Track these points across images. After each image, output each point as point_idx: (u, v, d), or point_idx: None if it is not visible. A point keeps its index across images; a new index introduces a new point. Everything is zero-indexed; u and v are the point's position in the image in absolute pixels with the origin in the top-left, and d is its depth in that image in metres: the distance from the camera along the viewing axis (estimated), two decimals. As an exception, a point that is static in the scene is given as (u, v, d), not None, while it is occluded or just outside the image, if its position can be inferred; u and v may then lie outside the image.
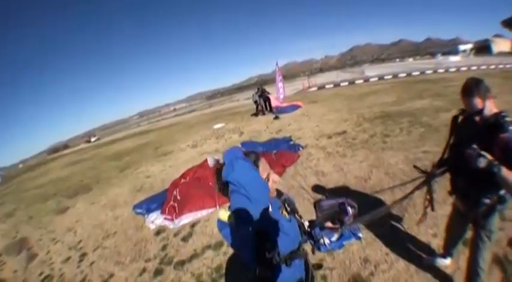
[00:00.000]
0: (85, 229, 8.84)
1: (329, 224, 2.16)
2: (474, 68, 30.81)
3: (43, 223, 10.96)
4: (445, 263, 3.71)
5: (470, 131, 2.68)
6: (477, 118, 2.59)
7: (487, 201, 2.65)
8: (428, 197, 3.27)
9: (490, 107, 2.55)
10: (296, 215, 2.18)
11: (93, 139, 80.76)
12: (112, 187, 13.02)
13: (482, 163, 2.30)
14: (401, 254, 4.07)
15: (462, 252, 3.56)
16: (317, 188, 6.93)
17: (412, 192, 3.29)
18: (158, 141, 25.69)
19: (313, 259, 3.62)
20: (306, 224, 2.28)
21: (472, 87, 2.55)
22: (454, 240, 3.52)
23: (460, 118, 2.88)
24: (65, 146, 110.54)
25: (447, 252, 3.69)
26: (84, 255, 7.14)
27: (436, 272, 3.63)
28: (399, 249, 4.18)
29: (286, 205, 2.12)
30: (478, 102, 2.52)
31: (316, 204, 2.29)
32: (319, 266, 2.33)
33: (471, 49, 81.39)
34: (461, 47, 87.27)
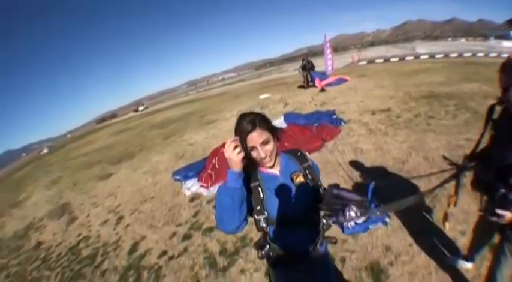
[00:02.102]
0: (125, 194, 9.29)
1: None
2: None
3: (86, 189, 11.61)
4: (466, 266, 3.46)
5: (507, 125, 2.31)
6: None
7: None
8: (453, 193, 2.97)
9: None
10: (316, 183, 2.13)
11: (141, 108, 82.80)
12: (155, 154, 13.50)
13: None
14: (425, 248, 3.91)
15: (487, 259, 3.26)
16: (354, 166, 6.79)
17: (440, 184, 3.13)
18: (204, 110, 26.03)
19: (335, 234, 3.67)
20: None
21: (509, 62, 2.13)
22: (479, 244, 3.25)
23: (498, 109, 2.42)
24: (113, 115, 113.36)
25: (470, 256, 3.42)
26: (121, 218, 7.55)
27: (456, 274, 3.43)
28: (424, 242, 4.00)
29: (307, 172, 2.12)
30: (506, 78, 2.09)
31: (328, 189, 2.02)
32: (333, 240, 2.30)
33: None
34: None
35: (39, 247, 7.49)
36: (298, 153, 2.22)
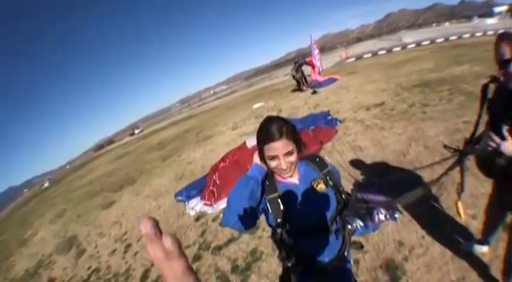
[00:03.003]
0: (129, 221, 9.25)
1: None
2: None
3: (90, 219, 11.56)
4: (482, 250, 3.43)
5: (502, 102, 2.28)
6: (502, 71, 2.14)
7: None
8: (459, 179, 2.92)
9: None
10: (338, 189, 2.06)
11: (136, 131, 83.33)
12: (155, 177, 13.45)
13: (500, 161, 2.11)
14: (438, 238, 3.89)
15: (502, 239, 3.21)
16: (354, 165, 6.81)
17: (445, 173, 3.12)
18: (199, 126, 26.12)
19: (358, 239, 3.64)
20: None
21: (506, 35, 2.09)
22: (493, 226, 3.22)
23: (492, 87, 2.40)
24: (110, 141, 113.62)
25: (485, 239, 3.39)
26: (128, 246, 7.50)
27: (473, 259, 3.41)
28: (435, 232, 3.98)
29: (327, 178, 2.04)
30: (508, 49, 2.03)
31: (353, 192, 2.07)
32: (359, 245, 2.24)
33: (507, 11, 77.58)
34: (497, 9, 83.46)
35: (52, 285, 7.47)
36: (317, 159, 2.14)
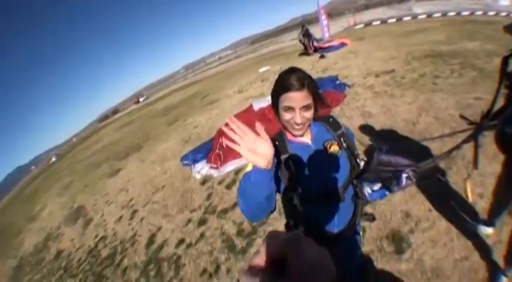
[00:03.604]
0: (136, 187, 9.30)
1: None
2: None
3: (97, 189, 11.68)
4: (487, 232, 3.31)
5: None
6: None
7: None
8: (473, 156, 2.81)
9: None
10: (352, 152, 1.93)
11: (141, 99, 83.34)
12: (161, 142, 13.51)
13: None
14: (444, 213, 3.77)
15: (506, 224, 3.21)
16: (364, 131, 6.66)
17: (457, 146, 2.96)
18: (205, 90, 26.02)
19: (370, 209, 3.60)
20: (362, 164, 2.01)
21: None
22: (499, 208, 3.10)
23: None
24: (115, 110, 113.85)
25: (490, 220, 3.27)
26: (135, 212, 7.55)
27: (477, 240, 3.29)
28: (442, 207, 3.87)
29: (341, 140, 1.90)
30: None
31: (375, 154, 1.93)
32: (371, 217, 2.15)
33: None
34: None
35: (60, 256, 7.55)
36: (331, 119, 2.01)
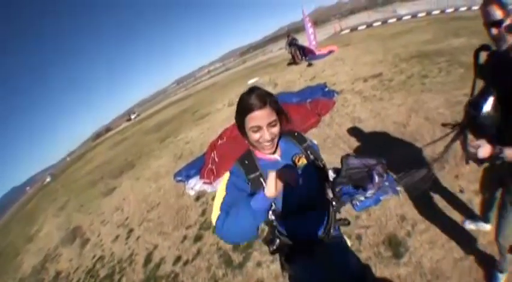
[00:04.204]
0: (131, 205, 9.27)
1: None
2: (511, 6, 29.11)
3: (93, 208, 11.60)
4: (485, 228, 3.32)
5: (491, 71, 2.25)
6: (495, 30, 2.01)
7: None
8: (462, 153, 2.63)
9: None
10: (319, 163, 1.99)
11: (133, 116, 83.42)
12: (154, 159, 13.49)
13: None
14: (441, 213, 3.78)
15: None
16: (354, 137, 6.70)
17: (446, 149, 2.91)
18: (195, 105, 26.12)
19: (348, 215, 3.58)
20: (331, 173, 2.09)
21: None
22: (488, 202, 3.10)
23: (483, 56, 2.32)
24: (108, 128, 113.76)
25: (485, 216, 3.28)
26: (131, 231, 7.52)
27: (476, 238, 3.30)
28: (438, 207, 3.88)
29: (308, 152, 1.96)
30: (496, 11, 1.98)
31: (344, 160, 1.98)
32: (345, 222, 2.16)
33: None
34: None
35: (59, 277, 7.46)
36: (296, 134, 2.06)
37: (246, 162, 1.81)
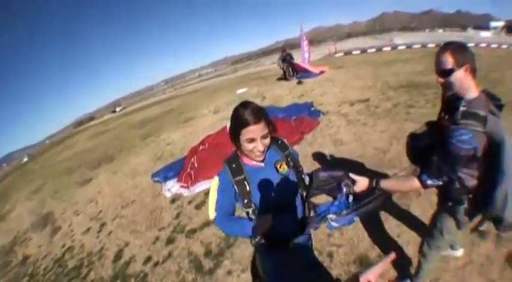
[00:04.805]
0: (106, 199, 9.16)
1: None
2: (505, 46, 29.03)
3: (67, 196, 11.40)
4: (456, 255, 3.40)
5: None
6: (441, 80, 2.18)
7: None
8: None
9: (462, 79, 2.05)
10: (298, 169, 2.28)
11: (118, 109, 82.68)
12: (134, 156, 13.36)
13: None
14: (412, 238, 3.82)
15: (477, 244, 3.40)
16: (334, 158, 6.82)
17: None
18: (181, 107, 26.02)
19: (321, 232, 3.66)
20: (306, 179, 2.38)
21: (450, 44, 2.09)
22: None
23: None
24: (90, 118, 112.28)
25: (452, 243, 3.34)
26: (103, 225, 7.44)
27: (447, 264, 3.38)
28: (411, 231, 3.96)
29: (288, 159, 2.22)
30: (448, 60, 2.02)
31: (314, 174, 2.29)
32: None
33: (502, 27, 77.89)
34: (493, 24, 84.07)
35: (26, 261, 7.34)
36: (279, 142, 2.29)
37: (234, 165, 2.05)
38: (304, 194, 2.35)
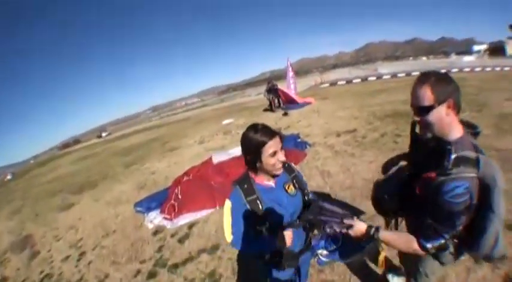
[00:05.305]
0: (86, 227, 8.94)
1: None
2: (488, 68, 29.93)
3: (48, 220, 11.11)
4: None
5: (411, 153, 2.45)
6: (417, 118, 1.92)
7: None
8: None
9: (444, 118, 1.79)
10: (303, 192, 2.44)
11: (104, 134, 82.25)
12: (117, 183, 13.15)
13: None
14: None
15: (473, 270, 3.46)
16: (322, 191, 6.72)
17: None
18: (167, 136, 25.98)
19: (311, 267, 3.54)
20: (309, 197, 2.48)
21: (429, 75, 1.84)
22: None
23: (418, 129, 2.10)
24: (76, 141, 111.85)
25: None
26: (83, 254, 7.21)
27: None
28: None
29: (294, 181, 2.41)
30: (426, 95, 1.78)
31: (316, 202, 2.38)
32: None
33: (485, 50, 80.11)
34: (476, 48, 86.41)
35: (4, 284, 7.04)
36: (286, 165, 2.41)
37: (245, 186, 2.19)
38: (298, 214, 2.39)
